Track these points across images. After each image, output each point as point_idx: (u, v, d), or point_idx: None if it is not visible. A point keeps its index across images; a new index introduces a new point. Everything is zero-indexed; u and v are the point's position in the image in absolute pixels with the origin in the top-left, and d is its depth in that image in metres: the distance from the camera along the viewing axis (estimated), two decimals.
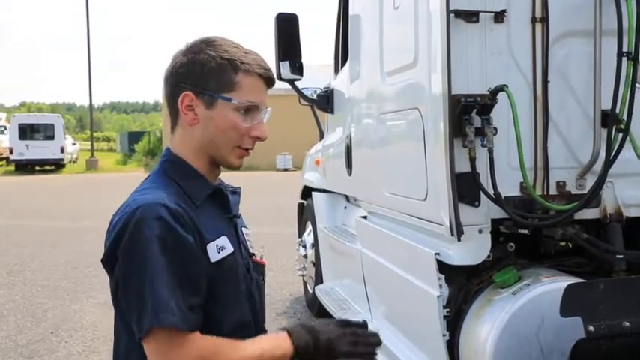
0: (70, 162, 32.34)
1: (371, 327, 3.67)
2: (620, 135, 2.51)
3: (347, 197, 5.00)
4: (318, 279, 5.32)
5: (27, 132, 28.35)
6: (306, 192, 5.87)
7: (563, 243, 2.69)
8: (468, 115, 2.50)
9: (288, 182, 16.66)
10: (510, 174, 2.60)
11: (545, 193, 2.64)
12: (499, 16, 2.59)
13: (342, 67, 4.55)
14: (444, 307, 2.69)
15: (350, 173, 4.16)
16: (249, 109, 1.48)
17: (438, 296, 2.67)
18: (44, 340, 5.31)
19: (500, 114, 2.53)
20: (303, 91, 4.81)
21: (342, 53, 4.57)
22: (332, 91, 4.75)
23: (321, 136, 5.61)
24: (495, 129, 2.51)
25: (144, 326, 1.29)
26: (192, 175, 1.50)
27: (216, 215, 1.52)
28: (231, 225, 1.57)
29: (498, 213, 2.59)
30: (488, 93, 2.50)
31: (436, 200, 2.66)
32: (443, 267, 2.69)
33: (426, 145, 2.73)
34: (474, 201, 2.57)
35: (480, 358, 2.52)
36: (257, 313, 1.56)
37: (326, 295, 4.78)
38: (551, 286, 2.48)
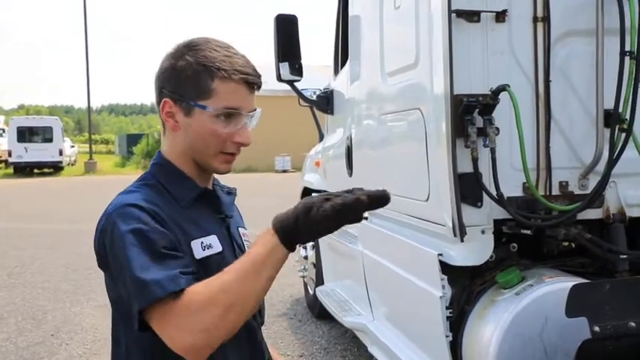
0: (68, 164, 32.33)
1: (372, 328, 3.69)
2: (623, 134, 2.51)
3: None
4: (319, 280, 5.31)
5: (25, 134, 28.34)
6: (307, 193, 5.86)
7: (566, 243, 2.68)
8: (470, 115, 2.49)
9: (286, 184, 16.66)
10: (513, 174, 2.59)
11: (547, 193, 2.63)
12: (500, 16, 2.58)
13: (341, 68, 4.53)
14: (447, 308, 2.68)
15: (351, 174, 4.15)
16: (231, 115, 1.46)
17: (441, 297, 2.66)
18: (45, 342, 5.29)
19: (502, 114, 2.52)
20: (302, 92, 4.80)
21: (342, 54, 4.56)
22: (332, 92, 4.74)
23: (321, 138, 5.60)
24: (497, 129, 2.50)
25: (141, 306, 1.28)
26: (178, 178, 1.50)
27: (206, 215, 1.52)
28: (223, 225, 1.57)
29: (501, 213, 2.58)
30: (490, 93, 2.49)
31: (438, 201, 2.65)
32: (445, 268, 2.68)
33: (428, 146, 2.72)
34: (476, 201, 2.56)
35: (483, 359, 2.51)
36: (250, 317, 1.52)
37: (327, 297, 4.76)
38: (555, 286, 2.48)
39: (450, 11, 2.45)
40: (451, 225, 2.51)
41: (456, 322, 2.70)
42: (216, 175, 1.66)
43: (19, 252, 9.29)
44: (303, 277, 5.90)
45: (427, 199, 2.78)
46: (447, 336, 2.67)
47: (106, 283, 1.45)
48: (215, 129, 1.44)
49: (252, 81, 1.47)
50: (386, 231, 3.46)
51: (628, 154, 2.54)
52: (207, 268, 1.41)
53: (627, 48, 2.47)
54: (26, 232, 11.18)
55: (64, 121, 46.00)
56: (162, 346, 1.31)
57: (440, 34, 2.49)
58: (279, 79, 4.36)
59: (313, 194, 1.39)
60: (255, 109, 1.50)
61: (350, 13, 4.10)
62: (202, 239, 1.45)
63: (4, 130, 32.05)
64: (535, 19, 2.62)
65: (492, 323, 2.51)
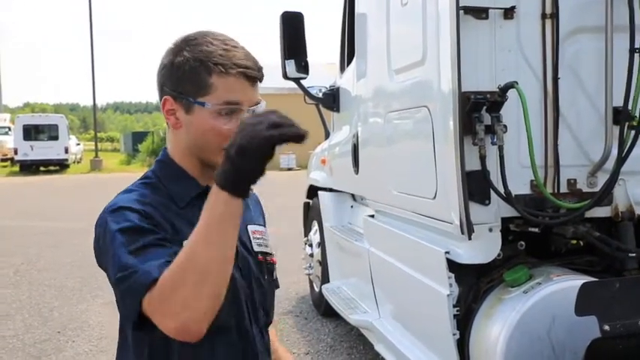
0: (74, 162, 32.40)
1: (378, 326, 3.69)
2: (633, 132, 2.49)
3: (353, 196, 4.98)
4: (325, 278, 5.30)
5: (31, 132, 28.39)
6: (312, 191, 5.85)
7: (574, 241, 2.67)
8: (478, 113, 2.48)
9: (291, 181, 16.65)
10: (521, 172, 2.58)
11: (556, 191, 2.62)
12: (509, 13, 2.57)
13: (348, 66, 4.53)
14: (454, 306, 2.67)
15: (357, 172, 4.14)
16: (232, 110, 1.41)
17: (448, 295, 2.65)
18: (51, 339, 5.30)
19: (510, 111, 2.51)
20: (308, 89, 4.80)
21: (348, 51, 4.55)
22: (338, 89, 4.74)
23: (327, 135, 5.59)
24: (505, 126, 2.49)
25: (132, 308, 1.28)
26: (179, 177, 1.48)
27: None
28: None
29: (509, 211, 2.57)
30: (498, 90, 2.49)
31: (446, 198, 2.64)
32: (453, 266, 2.68)
33: (436, 143, 2.71)
34: (484, 199, 2.55)
35: (491, 357, 2.50)
36: (243, 318, 1.48)
37: (333, 295, 4.76)
38: (563, 284, 2.47)
39: (458, 8, 2.44)
40: (458, 223, 2.50)
41: (463, 321, 2.70)
42: None
43: (25, 249, 9.32)
44: (309, 274, 5.90)
45: (434, 197, 2.77)
46: (454, 334, 2.66)
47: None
48: (216, 125, 1.41)
49: (251, 74, 1.42)
50: (393, 229, 3.45)
51: (637, 151, 2.53)
52: None
53: (637, 45, 2.46)
54: (32, 229, 11.21)
55: (69, 119, 46.12)
56: (167, 343, 1.32)
57: (447, 31, 2.48)
58: (285, 76, 4.36)
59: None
60: (258, 103, 1.45)
61: (356, 11, 4.09)
62: None
63: (9, 128, 32.15)
64: (543, 16, 2.60)
65: (500, 322, 2.50)
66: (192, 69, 1.40)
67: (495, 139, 2.48)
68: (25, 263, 8.39)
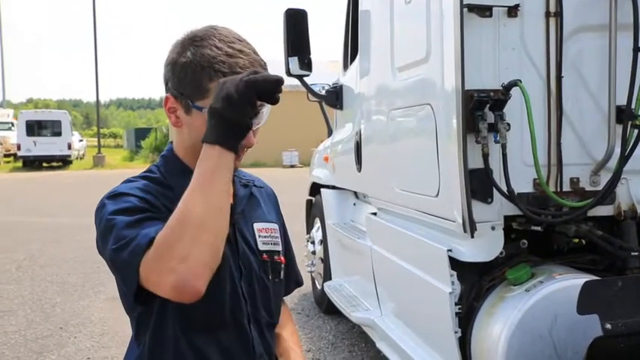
0: (77, 158, 32.45)
1: (380, 324, 3.68)
2: (636, 131, 2.49)
3: (356, 194, 4.98)
4: (327, 275, 5.31)
5: (34, 128, 28.45)
6: (315, 188, 5.86)
7: (576, 240, 2.67)
8: (481, 111, 2.48)
9: (294, 179, 16.63)
10: (524, 170, 2.58)
11: (558, 189, 2.62)
12: (512, 11, 2.56)
13: (351, 63, 4.52)
14: (456, 304, 2.68)
15: (359, 169, 4.14)
16: None
17: (450, 293, 2.66)
18: (53, 335, 5.32)
19: (513, 109, 2.51)
20: (311, 87, 4.79)
21: (352, 49, 4.55)
22: (341, 87, 4.73)
23: (330, 133, 5.59)
24: (509, 125, 2.49)
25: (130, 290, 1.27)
26: (183, 172, 1.45)
27: None
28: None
29: (511, 209, 2.57)
30: (501, 88, 2.48)
31: (448, 196, 2.64)
32: (455, 264, 2.68)
33: (439, 141, 2.71)
34: (486, 197, 2.55)
35: (492, 355, 2.50)
36: (242, 318, 1.46)
37: (335, 292, 4.76)
38: (565, 283, 2.47)
39: (462, 6, 2.44)
40: (461, 221, 2.50)
41: (465, 319, 2.70)
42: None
43: (27, 245, 9.34)
44: (311, 272, 5.90)
45: (437, 195, 2.77)
46: (455, 332, 2.67)
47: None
48: None
49: None
50: (395, 226, 3.46)
51: None
52: None
53: None
54: (35, 225, 11.24)
55: (72, 114, 46.19)
56: (163, 340, 1.33)
57: (451, 29, 2.48)
58: (289, 73, 4.35)
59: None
60: (260, 111, 1.38)
61: (360, 8, 4.08)
62: None
63: (13, 124, 32.20)
64: (547, 14, 2.60)
65: (502, 320, 2.50)
66: (194, 72, 1.38)
67: (498, 138, 2.48)
68: (27, 259, 8.41)
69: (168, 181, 1.46)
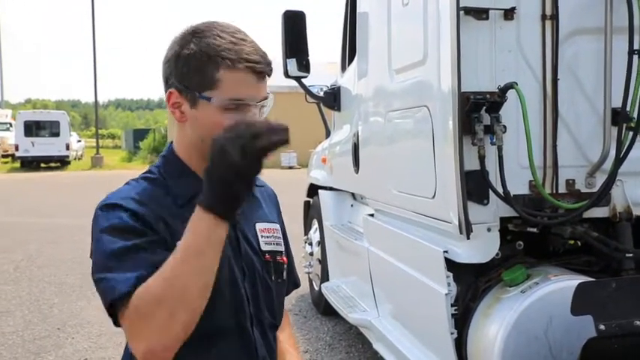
0: (75, 159, 32.43)
1: (377, 325, 3.69)
2: (631, 133, 2.51)
3: (353, 195, 5.00)
4: (324, 277, 5.32)
5: (32, 129, 28.42)
6: (313, 190, 5.87)
7: (572, 241, 2.68)
8: (478, 113, 2.50)
9: (292, 180, 16.63)
10: (519, 172, 2.60)
11: (554, 191, 2.64)
12: (509, 14, 2.58)
13: (349, 65, 4.54)
14: (452, 306, 2.69)
15: (357, 171, 4.16)
16: (238, 107, 1.36)
17: (446, 294, 2.67)
18: (50, 336, 5.32)
19: (509, 112, 2.52)
20: (309, 88, 4.80)
21: (349, 51, 4.56)
22: (339, 88, 4.75)
23: (328, 134, 5.60)
24: (505, 127, 2.50)
25: (105, 304, 1.29)
26: (182, 173, 1.44)
27: None
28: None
29: (507, 211, 2.58)
30: (497, 90, 2.50)
31: (445, 198, 2.65)
32: (451, 265, 2.69)
33: (435, 143, 2.72)
34: (482, 199, 2.56)
35: (488, 356, 2.51)
36: (245, 319, 1.44)
37: (332, 293, 4.77)
38: (560, 284, 2.48)
39: (458, 8, 2.45)
40: (457, 222, 2.52)
41: (461, 320, 2.71)
42: None
43: (25, 246, 9.34)
44: (309, 273, 5.91)
45: (433, 197, 2.78)
46: (452, 333, 2.68)
47: None
48: (221, 121, 1.33)
49: (259, 69, 1.37)
50: (392, 228, 3.47)
51: (635, 152, 2.54)
52: None
53: (635, 46, 2.47)
54: (33, 226, 11.23)
55: (70, 115, 46.10)
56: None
57: (448, 32, 2.49)
58: (287, 75, 4.37)
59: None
60: (265, 98, 1.39)
61: (358, 10, 4.10)
62: None
63: (11, 125, 32.16)
64: (543, 17, 2.62)
65: (497, 321, 2.51)
66: (200, 62, 1.35)
67: (494, 140, 2.49)
68: (25, 260, 8.41)
69: (167, 182, 1.43)
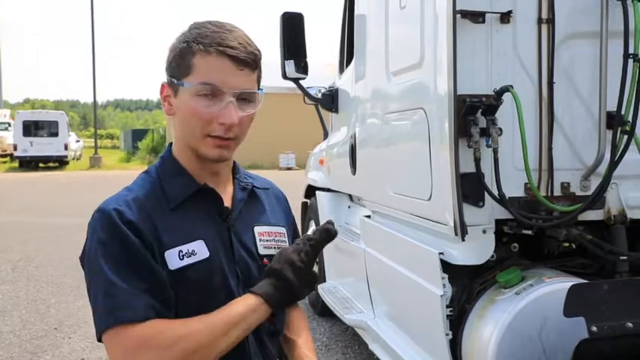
0: (73, 159, 32.41)
1: (373, 326, 3.71)
2: (626, 137, 2.52)
3: (350, 196, 5.01)
4: (321, 278, 5.33)
5: (31, 129, 28.40)
6: (310, 191, 5.88)
7: (566, 244, 2.69)
8: (473, 116, 2.51)
9: (291, 181, 16.65)
10: (515, 174, 2.61)
11: (549, 194, 2.65)
12: (505, 17, 2.59)
13: (346, 67, 4.55)
14: (447, 307, 2.70)
15: (354, 172, 4.17)
16: (215, 94, 1.33)
17: (442, 296, 2.68)
18: (48, 335, 5.33)
19: (505, 115, 2.54)
20: (308, 90, 4.82)
21: (347, 53, 4.58)
22: (336, 90, 4.76)
23: (325, 136, 5.62)
24: (500, 129, 2.51)
25: (97, 331, 1.32)
26: (177, 174, 1.44)
27: (198, 217, 1.42)
28: (224, 226, 1.45)
29: (502, 213, 2.60)
30: (493, 93, 2.51)
31: (440, 200, 2.66)
32: (446, 267, 2.70)
33: (431, 145, 2.74)
34: (478, 201, 2.58)
35: (482, 357, 2.52)
36: None
37: (329, 294, 4.79)
38: (555, 286, 2.49)
39: (454, 12, 2.47)
40: (453, 224, 2.53)
41: (456, 321, 2.72)
42: (245, 169, 1.61)
43: (23, 246, 9.34)
44: None
45: (429, 198, 2.80)
46: (446, 334, 2.69)
47: None
48: (195, 107, 1.34)
49: (233, 54, 1.33)
50: (388, 229, 3.48)
51: (630, 156, 2.55)
52: (186, 277, 1.34)
53: (631, 50, 2.48)
54: (31, 225, 11.23)
55: (69, 115, 46.08)
56: None
57: (444, 35, 2.51)
58: (285, 76, 4.38)
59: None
60: (247, 90, 1.37)
61: (356, 12, 4.11)
62: (182, 247, 1.35)
63: (9, 124, 32.14)
64: (540, 21, 2.63)
65: (492, 322, 2.52)
66: (180, 51, 1.38)
67: (490, 142, 2.50)
68: (23, 259, 8.41)
69: (162, 184, 1.44)
